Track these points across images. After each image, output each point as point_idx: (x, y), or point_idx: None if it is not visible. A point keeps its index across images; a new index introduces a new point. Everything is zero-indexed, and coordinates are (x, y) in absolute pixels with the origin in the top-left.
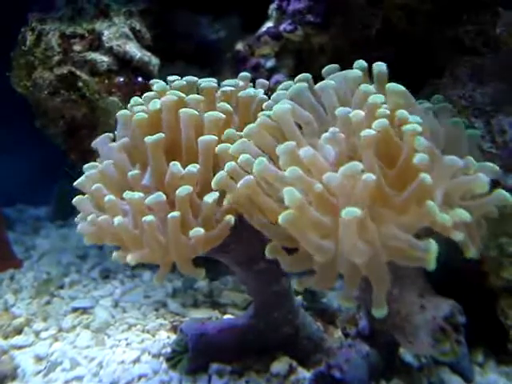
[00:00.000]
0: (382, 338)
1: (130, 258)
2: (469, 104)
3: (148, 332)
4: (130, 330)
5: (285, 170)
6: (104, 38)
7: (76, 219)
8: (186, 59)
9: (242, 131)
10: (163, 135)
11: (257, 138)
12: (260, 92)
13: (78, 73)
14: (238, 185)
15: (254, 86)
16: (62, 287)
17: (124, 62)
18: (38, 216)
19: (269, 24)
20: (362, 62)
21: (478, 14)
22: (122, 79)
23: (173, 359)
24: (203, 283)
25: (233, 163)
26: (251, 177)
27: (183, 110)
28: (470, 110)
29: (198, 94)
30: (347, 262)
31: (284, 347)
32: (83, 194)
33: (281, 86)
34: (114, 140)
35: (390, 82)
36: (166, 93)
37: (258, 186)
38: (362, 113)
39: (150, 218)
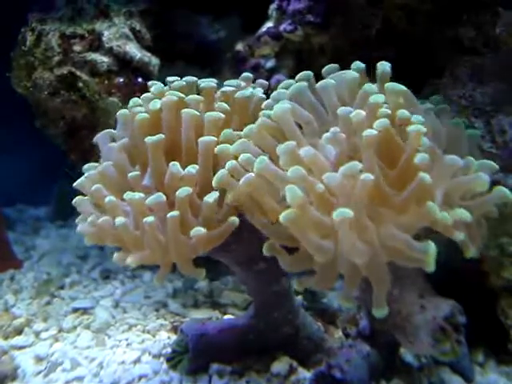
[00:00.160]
0: (383, 338)
1: (131, 261)
2: (469, 104)
3: (148, 332)
4: (131, 331)
5: (286, 170)
6: (104, 39)
7: (77, 220)
8: (186, 59)
9: (240, 131)
10: (163, 136)
11: (257, 138)
12: (258, 91)
13: (78, 73)
14: (240, 182)
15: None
16: (62, 287)
17: (124, 63)
18: (38, 216)
19: (269, 24)
20: (359, 64)
21: (477, 14)
22: (122, 80)
23: (173, 359)
24: (203, 283)
25: (234, 162)
26: (252, 174)
27: (185, 110)
28: (470, 110)
29: (197, 94)
30: (347, 262)
31: (284, 347)
32: (83, 194)
33: (281, 85)
34: (113, 139)
35: (390, 81)
36: (164, 94)
37: (258, 184)
38: (362, 113)
39: (150, 218)
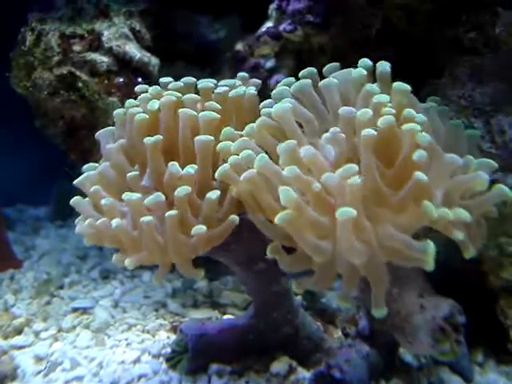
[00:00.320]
0: (382, 338)
1: (128, 262)
2: (468, 104)
3: (148, 332)
4: (130, 331)
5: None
6: (104, 39)
7: (76, 221)
8: (185, 59)
9: (237, 129)
10: (161, 137)
11: (257, 137)
12: (251, 89)
13: (78, 73)
14: (241, 178)
15: None
16: (61, 287)
17: (124, 63)
18: (37, 216)
19: (268, 24)
20: (366, 61)
21: (477, 14)
22: (121, 80)
23: (173, 359)
24: (203, 283)
25: (236, 156)
26: (253, 171)
27: (182, 109)
28: (469, 110)
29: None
30: (345, 263)
31: (284, 347)
32: (82, 193)
33: (282, 82)
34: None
35: (391, 81)
36: (161, 94)
37: (258, 181)
38: (369, 111)
39: (148, 218)
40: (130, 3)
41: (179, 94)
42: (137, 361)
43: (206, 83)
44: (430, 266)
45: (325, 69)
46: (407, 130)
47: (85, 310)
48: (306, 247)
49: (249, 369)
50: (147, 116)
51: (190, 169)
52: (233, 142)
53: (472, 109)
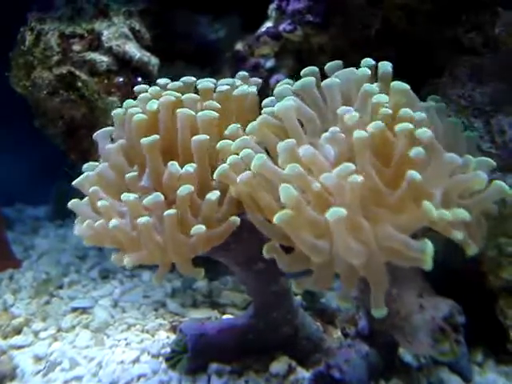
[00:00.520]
0: (382, 338)
1: (127, 261)
2: (468, 104)
3: (147, 332)
4: (130, 330)
5: (284, 168)
6: (103, 38)
7: (75, 222)
8: (185, 59)
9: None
10: (158, 137)
11: (258, 135)
12: (252, 88)
13: (78, 73)
14: (238, 179)
15: None
16: (61, 287)
17: (123, 62)
18: (37, 216)
19: (268, 24)
20: (369, 61)
21: (477, 14)
22: (121, 79)
23: (172, 359)
24: (202, 283)
25: (235, 156)
26: (249, 173)
27: (180, 109)
28: (469, 110)
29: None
30: (344, 263)
31: (283, 347)
32: (81, 194)
33: (282, 82)
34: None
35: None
36: (161, 94)
37: (256, 182)
38: (356, 115)
39: (145, 219)
40: (129, 3)
41: (178, 94)
42: (136, 360)
43: (205, 83)
44: (428, 265)
45: (327, 66)
46: (401, 130)
47: (84, 310)
48: (303, 247)
49: (248, 368)
50: (145, 116)
51: (190, 168)
52: (235, 139)
53: (472, 109)
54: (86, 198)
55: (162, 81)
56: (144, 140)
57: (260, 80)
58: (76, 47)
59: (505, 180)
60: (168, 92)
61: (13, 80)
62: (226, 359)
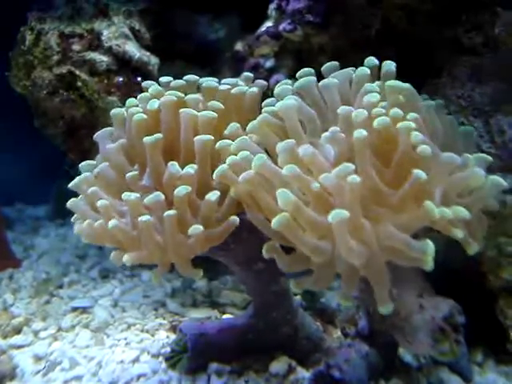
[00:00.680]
0: (382, 338)
1: (127, 259)
2: (468, 104)
3: (147, 332)
4: (130, 330)
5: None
6: (103, 38)
7: (72, 219)
8: (185, 59)
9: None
10: (161, 136)
11: (258, 134)
12: (254, 88)
13: (77, 72)
14: (240, 178)
15: None
16: (61, 287)
17: (123, 62)
18: (37, 216)
19: (268, 24)
20: (373, 60)
21: (477, 14)
22: (121, 79)
23: (172, 359)
24: (202, 283)
25: (235, 157)
26: (251, 172)
27: (183, 109)
28: (468, 110)
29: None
30: (344, 263)
31: (283, 347)
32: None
33: (282, 83)
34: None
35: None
36: (162, 94)
37: (256, 181)
38: (365, 112)
39: (146, 217)
40: (129, 2)
41: (180, 94)
42: (136, 360)
43: (209, 82)
44: (429, 265)
45: (324, 67)
46: (403, 128)
47: (84, 310)
48: (304, 248)
49: (248, 368)
50: (146, 116)
51: (190, 169)
52: (235, 138)
53: (471, 109)
54: (80, 196)
55: (164, 79)
56: (147, 139)
57: (265, 82)
58: (76, 47)
59: (504, 179)
60: (170, 92)
61: (13, 80)
62: (226, 359)
